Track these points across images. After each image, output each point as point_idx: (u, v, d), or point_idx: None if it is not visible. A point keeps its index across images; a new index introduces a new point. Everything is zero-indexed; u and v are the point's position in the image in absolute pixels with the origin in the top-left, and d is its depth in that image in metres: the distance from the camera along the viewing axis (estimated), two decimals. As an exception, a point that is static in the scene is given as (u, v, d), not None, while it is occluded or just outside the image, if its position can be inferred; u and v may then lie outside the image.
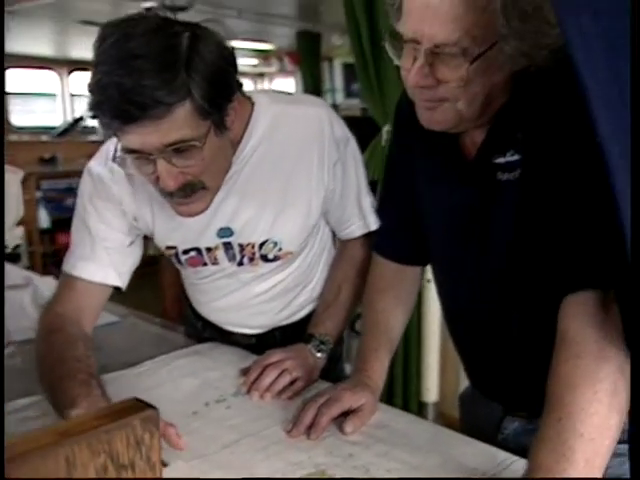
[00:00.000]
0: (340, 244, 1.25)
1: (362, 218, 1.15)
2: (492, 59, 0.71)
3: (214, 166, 0.94)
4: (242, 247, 1.10)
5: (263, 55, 5.74)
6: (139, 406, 0.47)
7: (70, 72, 5.80)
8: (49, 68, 5.70)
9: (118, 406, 0.47)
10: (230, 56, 0.90)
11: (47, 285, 1.46)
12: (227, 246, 1.10)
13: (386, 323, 1.03)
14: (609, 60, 0.47)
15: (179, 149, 0.86)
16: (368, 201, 1.15)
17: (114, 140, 1.02)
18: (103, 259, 1.06)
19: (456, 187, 0.89)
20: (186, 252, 1.11)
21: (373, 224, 1.14)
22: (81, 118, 5.67)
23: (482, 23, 0.69)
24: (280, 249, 1.10)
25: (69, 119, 5.77)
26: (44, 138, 5.22)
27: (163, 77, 0.81)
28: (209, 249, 1.10)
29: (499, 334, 0.92)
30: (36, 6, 3.44)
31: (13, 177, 1.46)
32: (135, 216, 1.07)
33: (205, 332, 1.30)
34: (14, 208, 1.43)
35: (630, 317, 0.57)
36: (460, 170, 0.88)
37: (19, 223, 1.41)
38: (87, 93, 0.84)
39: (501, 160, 0.81)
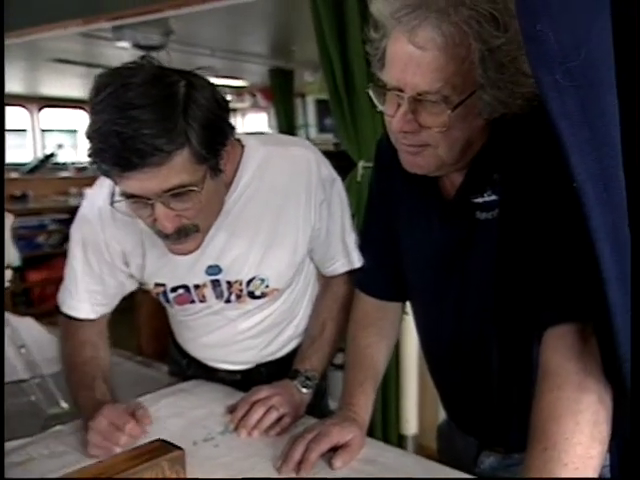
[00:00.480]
0: (324, 280, 1.27)
1: (346, 255, 1.18)
2: (471, 106, 0.76)
3: (209, 208, 0.97)
4: (230, 285, 1.12)
5: (236, 91, 5.82)
6: (166, 447, 0.48)
7: (40, 109, 5.79)
8: (20, 105, 5.67)
9: (146, 447, 0.48)
10: (223, 102, 0.93)
11: (26, 326, 1.45)
12: (215, 283, 1.12)
13: (370, 358, 1.05)
14: (581, 110, 0.51)
15: (177, 194, 0.89)
16: (352, 239, 1.18)
17: (102, 184, 1.07)
18: (85, 299, 1.13)
19: (436, 226, 0.92)
20: (174, 290, 1.13)
21: (357, 262, 1.17)
22: (52, 154, 5.64)
23: (462, 73, 0.73)
24: (267, 286, 1.12)
25: (39, 155, 5.73)
26: (14, 175, 5.16)
27: (162, 126, 0.83)
28: (197, 286, 1.12)
29: (477, 369, 0.94)
30: (8, 45, 3.45)
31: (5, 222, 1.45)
32: (126, 261, 1.11)
33: (189, 370, 1.30)
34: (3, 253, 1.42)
35: (607, 349, 0.60)
36: (440, 210, 0.91)
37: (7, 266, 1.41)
38: (86, 140, 0.87)
39: (479, 200, 0.85)
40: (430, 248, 0.94)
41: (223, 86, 5.26)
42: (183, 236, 0.95)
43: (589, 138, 0.52)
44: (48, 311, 4.22)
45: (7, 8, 2.76)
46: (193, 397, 1.16)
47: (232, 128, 0.96)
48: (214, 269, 1.10)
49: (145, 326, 3.39)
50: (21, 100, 5.60)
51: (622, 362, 0.58)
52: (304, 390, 1.10)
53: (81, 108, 6.19)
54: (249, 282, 1.11)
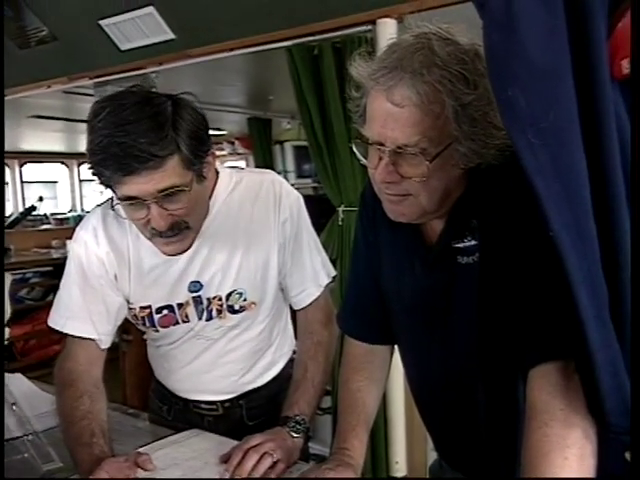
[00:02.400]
0: (302, 324, 1.32)
1: (314, 276, 1.27)
2: (448, 157, 0.82)
3: (196, 209, 1.11)
4: (210, 301, 1.21)
5: (215, 139, 5.91)
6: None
7: (22, 164, 5.81)
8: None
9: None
10: (203, 119, 1.09)
11: (17, 383, 1.45)
12: (197, 300, 1.21)
13: (362, 402, 1.07)
14: (552, 167, 0.57)
15: (169, 194, 1.02)
16: (319, 260, 1.28)
17: (95, 211, 1.23)
18: (87, 318, 1.18)
19: (420, 272, 0.97)
20: (159, 311, 1.21)
21: (325, 279, 1.28)
22: (33, 207, 5.64)
23: (437, 127, 0.79)
24: (245, 299, 1.22)
25: (20, 209, 5.72)
26: (-6, 230, 5.13)
27: (156, 135, 0.98)
28: (180, 305, 1.21)
29: (465, 408, 0.98)
30: (-9, 103, 3.50)
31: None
32: (116, 274, 1.20)
33: (170, 416, 1.35)
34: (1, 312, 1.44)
35: (589, 385, 0.64)
36: (423, 256, 0.96)
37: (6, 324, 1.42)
38: (88, 155, 1.01)
39: (460, 245, 0.90)
40: (415, 293, 0.98)
41: (214, 146, 5.34)
42: (176, 233, 1.08)
43: (561, 191, 0.57)
44: (31, 365, 4.17)
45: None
46: (186, 448, 1.17)
47: (211, 141, 1.11)
48: (196, 285, 1.20)
49: (130, 376, 3.36)
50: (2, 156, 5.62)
51: (604, 397, 0.61)
52: (295, 435, 1.12)
53: (61, 162, 6.25)
54: (228, 296, 1.21)
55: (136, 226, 1.11)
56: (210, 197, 1.19)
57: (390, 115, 0.80)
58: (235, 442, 1.15)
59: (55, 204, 6.74)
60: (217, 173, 1.22)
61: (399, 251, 1.01)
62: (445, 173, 0.84)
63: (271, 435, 1.10)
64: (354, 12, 2.22)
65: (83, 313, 1.17)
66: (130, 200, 1.03)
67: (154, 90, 1.09)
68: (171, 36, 2.69)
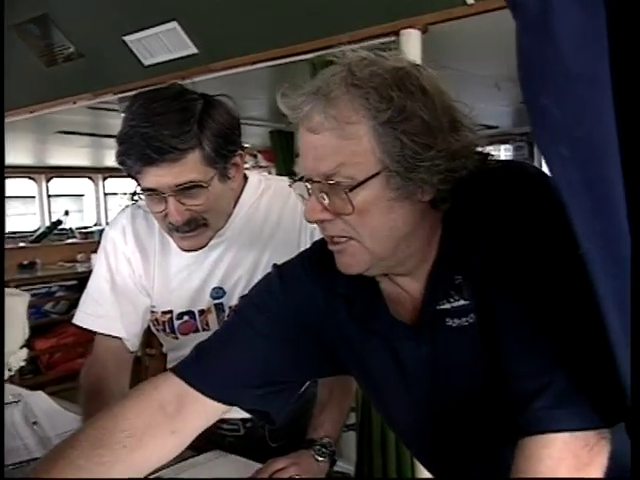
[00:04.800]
0: None
1: None
2: (377, 188, 0.72)
3: (216, 207, 1.09)
4: (231, 309, 1.19)
5: (237, 153, 5.94)
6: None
7: (49, 179, 5.91)
8: (28, 177, 5.81)
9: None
10: (236, 122, 1.09)
11: (38, 401, 1.44)
12: (219, 308, 1.19)
13: None
14: (585, 179, 0.53)
15: (187, 189, 1.02)
16: None
17: (125, 211, 1.25)
18: (115, 315, 1.18)
19: (397, 347, 0.84)
20: (180, 317, 1.20)
21: None
22: (59, 221, 5.72)
23: (359, 152, 0.71)
24: None
25: (47, 223, 5.80)
26: (22, 244, 5.21)
27: (178, 128, 0.99)
28: (202, 312, 1.19)
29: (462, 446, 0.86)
30: (17, 120, 3.57)
31: (19, 300, 1.47)
32: (140, 274, 1.21)
33: None
34: (21, 332, 1.43)
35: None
36: (400, 330, 0.83)
37: (23, 345, 1.43)
38: (116, 143, 1.04)
39: (446, 306, 0.78)
40: (391, 371, 0.85)
41: (245, 150, 5.39)
42: (193, 228, 1.07)
43: (592, 209, 0.53)
44: (56, 378, 4.19)
45: (20, 87, 2.88)
46: (209, 471, 1.14)
47: (242, 145, 1.11)
48: (218, 292, 1.19)
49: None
50: (29, 171, 5.73)
51: None
52: (321, 459, 1.09)
53: (87, 177, 6.34)
54: None
55: (156, 219, 1.11)
56: (237, 201, 1.18)
57: (310, 144, 0.74)
58: (258, 465, 1.12)
59: (81, 217, 6.82)
60: (246, 178, 1.21)
61: (372, 337, 0.86)
62: (383, 208, 0.73)
63: (296, 459, 1.07)
64: (377, 23, 2.20)
65: (113, 311, 1.17)
66: (149, 192, 1.04)
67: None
68: (194, 50, 2.70)
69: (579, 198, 0.53)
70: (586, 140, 0.52)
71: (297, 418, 1.27)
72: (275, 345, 0.89)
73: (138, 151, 0.99)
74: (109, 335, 1.17)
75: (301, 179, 0.78)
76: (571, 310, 0.66)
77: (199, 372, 0.88)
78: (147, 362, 3.33)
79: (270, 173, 6.03)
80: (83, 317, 1.19)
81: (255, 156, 6.01)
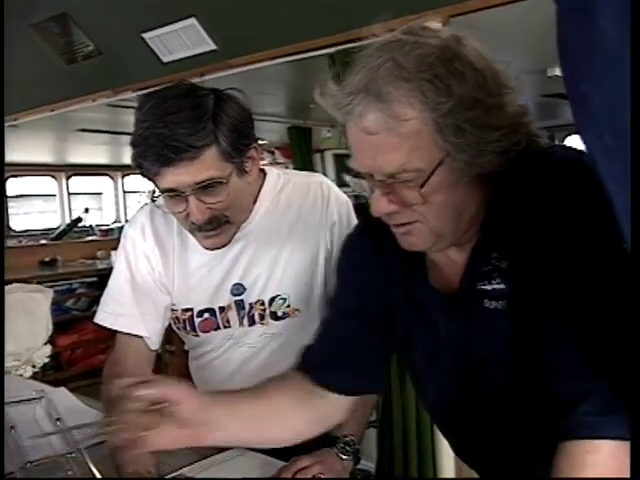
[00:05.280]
0: None
1: None
2: (443, 175, 0.72)
3: (236, 203, 1.08)
4: (252, 306, 1.18)
5: (255, 149, 5.95)
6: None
7: (69, 177, 5.97)
8: (49, 175, 5.87)
9: None
10: (248, 114, 1.07)
11: (61, 397, 1.44)
12: (239, 305, 1.18)
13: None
14: (626, 170, 0.50)
15: (207, 186, 1.01)
16: None
17: (144, 208, 1.24)
18: (136, 313, 1.17)
19: (442, 324, 0.85)
20: (200, 314, 1.20)
21: None
22: (79, 219, 5.78)
23: (420, 146, 0.70)
24: (288, 305, 1.18)
25: (67, 220, 5.87)
26: (43, 241, 5.27)
27: (193, 126, 0.97)
28: (222, 309, 1.19)
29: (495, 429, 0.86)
30: (37, 119, 3.60)
31: (42, 297, 1.48)
32: (160, 271, 1.20)
33: None
34: (44, 328, 1.44)
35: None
36: (443, 306, 0.84)
37: (46, 342, 1.43)
38: (130, 147, 1.02)
39: (487, 287, 0.79)
40: (431, 345, 0.87)
41: (259, 144, 5.40)
42: (215, 227, 1.06)
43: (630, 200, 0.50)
44: (77, 375, 4.24)
45: (41, 85, 2.90)
46: (230, 469, 1.13)
47: (255, 137, 1.10)
48: (238, 288, 1.18)
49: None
50: (50, 169, 5.80)
51: None
52: (345, 457, 1.08)
53: (106, 174, 6.39)
54: (271, 302, 1.18)
55: (177, 219, 1.10)
56: (257, 197, 1.17)
57: (367, 144, 0.72)
58: (281, 463, 1.11)
59: (101, 215, 6.89)
60: (265, 173, 1.20)
61: (416, 306, 0.89)
62: (446, 191, 0.74)
63: (319, 457, 1.06)
64: (397, 17, 2.17)
65: (133, 310, 1.17)
66: (169, 192, 1.03)
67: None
68: (212, 47, 2.70)
69: (622, 189, 0.51)
70: (629, 129, 0.49)
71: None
72: (360, 321, 0.94)
73: (155, 152, 0.97)
74: (130, 334, 1.17)
75: (357, 175, 0.77)
76: (616, 313, 0.63)
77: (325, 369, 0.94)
78: (167, 359, 3.34)
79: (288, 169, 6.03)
80: (104, 316, 1.19)
81: (273, 153, 6.00)
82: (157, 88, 1.05)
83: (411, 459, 2.36)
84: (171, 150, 0.96)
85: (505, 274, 0.77)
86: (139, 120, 1.00)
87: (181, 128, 0.96)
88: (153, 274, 1.19)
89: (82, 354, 4.53)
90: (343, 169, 4.74)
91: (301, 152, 4.78)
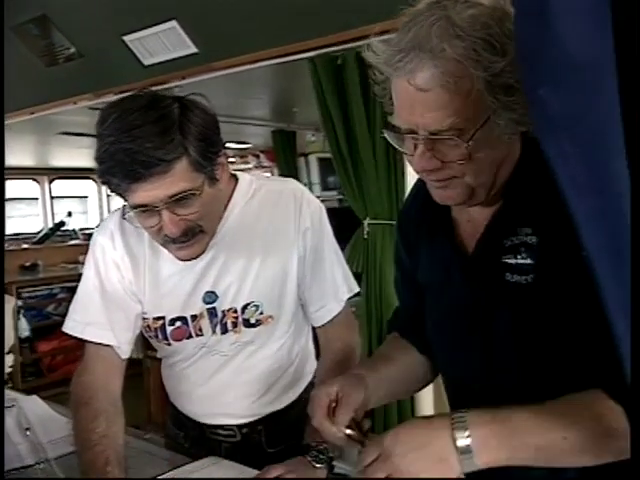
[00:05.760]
0: (320, 342, 1.27)
1: (334, 292, 1.21)
2: (488, 132, 0.73)
3: (210, 212, 1.07)
4: (224, 313, 1.16)
5: (240, 153, 5.92)
6: None
7: (51, 181, 5.90)
8: (31, 178, 5.80)
9: None
10: (213, 120, 1.04)
11: (33, 406, 1.42)
12: (211, 312, 1.16)
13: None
14: (588, 178, 0.50)
15: (180, 199, 0.99)
16: (340, 273, 1.22)
17: (113, 214, 1.21)
18: (105, 322, 1.14)
19: (458, 283, 0.89)
20: (172, 323, 1.17)
21: (346, 294, 1.22)
22: (62, 223, 5.71)
23: (470, 104, 0.71)
24: (261, 312, 1.16)
25: (49, 224, 5.80)
26: (25, 245, 5.20)
27: (161, 139, 0.94)
28: (194, 317, 1.17)
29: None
30: (17, 122, 3.56)
31: (6, 306, 1.45)
32: (130, 280, 1.17)
33: (186, 443, 1.29)
34: (6, 337, 1.41)
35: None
36: (462, 265, 0.88)
37: (9, 351, 1.39)
38: (96, 163, 0.98)
39: (511, 261, 0.80)
40: (453, 304, 0.91)
41: (226, 148, 5.37)
42: (190, 237, 1.04)
43: (597, 206, 0.50)
44: (58, 381, 4.19)
45: (21, 88, 2.86)
46: (204, 477, 1.12)
47: (223, 143, 1.07)
48: (211, 296, 1.16)
49: (155, 393, 3.34)
50: (32, 172, 5.73)
51: None
52: (318, 465, 1.06)
53: (89, 178, 6.33)
54: (244, 309, 1.16)
55: (149, 233, 1.08)
56: (228, 203, 1.15)
57: (416, 101, 0.72)
58: (255, 471, 1.10)
59: (86, 219, 6.82)
60: (236, 179, 1.19)
61: (437, 262, 0.93)
62: (488, 148, 0.75)
63: (292, 466, 1.04)
64: (379, 20, 2.17)
65: (103, 319, 1.14)
66: (141, 207, 1.00)
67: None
68: (194, 50, 2.68)
69: (584, 196, 0.50)
70: (589, 134, 0.49)
71: (294, 423, 1.23)
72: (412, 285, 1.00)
73: (124, 168, 0.94)
74: (99, 343, 1.14)
75: (397, 130, 0.78)
76: None
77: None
78: (149, 364, 3.31)
79: (273, 173, 6.02)
80: (72, 325, 1.16)
81: (258, 156, 5.98)
82: (114, 99, 1.01)
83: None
84: (140, 165, 0.93)
85: (534, 250, 0.78)
86: (103, 135, 0.96)
87: (148, 142, 0.93)
88: (123, 282, 1.17)
89: (63, 360, 4.47)
90: (327, 173, 4.73)
91: (285, 156, 4.75)
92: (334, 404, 0.85)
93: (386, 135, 0.82)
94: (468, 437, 0.71)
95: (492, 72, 0.69)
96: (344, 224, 2.57)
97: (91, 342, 1.15)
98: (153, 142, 0.93)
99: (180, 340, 1.18)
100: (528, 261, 0.79)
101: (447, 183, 0.79)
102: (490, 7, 0.71)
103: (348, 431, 0.83)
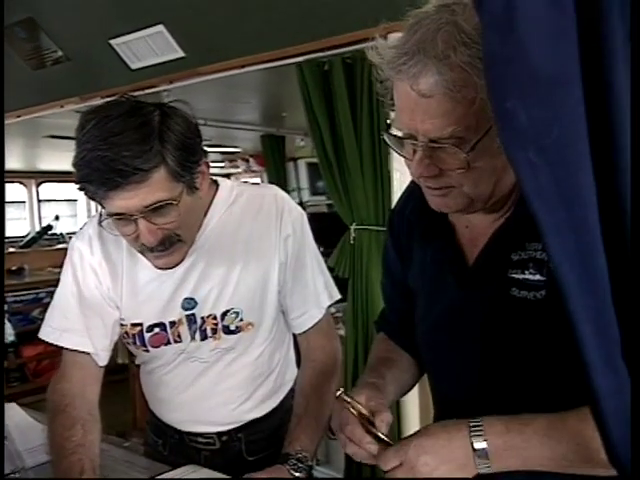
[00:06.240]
0: (301, 350, 1.27)
1: (316, 299, 1.20)
2: (489, 143, 0.71)
3: (188, 221, 1.05)
4: (204, 320, 1.15)
5: (229, 157, 5.91)
6: None
7: (39, 184, 5.86)
8: (19, 182, 5.76)
9: None
10: (195, 128, 1.03)
11: (11, 413, 1.40)
12: (190, 319, 1.15)
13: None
14: (555, 190, 0.50)
15: (157, 208, 0.97)
16: (321, 280, 1.21)
17: (92, 220, 1.18)
18: (82, 329, 1.13)
19: (453, 291, 0.87)
20: (150, 329, 1.16)
21: (327, 300, 1.22)
22: (49, 226, 5.67)
23: (473, 113, 0.69)
24: (241, 319, 1.15)
25: (37, 228, 5.76)
26: (11, 249, 5.16)
27: (139, 148, 0.93)
28: (173, 324, 1.15)
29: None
30: (6, 125, 3.53)
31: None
32: (108, 286, 1.16)
33: (165, 451, 1.29)
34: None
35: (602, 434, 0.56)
36: (459, 273, 0.86)
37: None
38: (74, 169, 0.97)
39: (519, 276, 0.78)
40: (444, 312, 0.89)
41: (216, 152, 5.36)
42: (168, 246, 1.03)
43: (565, 218, 0.50)
44: (44, 387, 4.14)
45: (7, 91, 2.84)
46: (206, 477, 1.11)
47: (204, 150, 1.06)
48: (190, 302, 1.15)
49: (140, 398, 3.31)
50: (19, 176, 5.68)
51: (614, 446, 0.54)
52: (297, 474, 1.06)
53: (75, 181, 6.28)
54: (223, 316, 1.15)
55: (126, 241, 1.06)
56: (208, 209, 1.14)
57: (418, 106, 0.71)
58: (233, 480, 1.08)
59: (75, 222, 6.78)
60: (217, 185, 1.17)
61: (431, 268, 0.92)
62: (488, 158, 0.73)
63: (271, 474, 1.03)
64: (365, 27, 2.17)
65: (79, 325, 1.13)
66: (117, 216, 0.99)
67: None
68: (181, 54, 2.67)
69: (551, 208, 0.50)
70: (556, 146, 0.49)
71: (274, 431, 1.23)
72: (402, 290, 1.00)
73: (100, 176, 0.92)
74: (76, 350, 1.13)
75: (391, 134, 0.77)
76: None
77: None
78: (134, 370, 3.29)
79: (262, 177, 6.02)
80: (49, 331, 1.15)
81: (247, 161, 5.98)
82: (94, 105, 1.00)
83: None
84: (117, 174, 0.92)
85: (543, 266, 0.76)
86: (81, 141, 0.94)
87: (126, 150, 0.91)
88: (101, 288, 1.15)
89: (49, 365, 4.43)
90: (316, 178, 4.74)
91: (274, 160, 4.75)
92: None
93: (385, 138, 0.80)
94: (484, 442, 0.73)
95: None
96: (333, 229, 2.57)
97: (68, 349, 1.13)
98: (131, 150, 0.92)
99: (158, 347, 1.17)
100: (537, 277, 0.77)
101: (445, 192, 0.78)
102: None
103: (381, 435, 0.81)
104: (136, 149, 0.92)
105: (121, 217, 0.99)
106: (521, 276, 0.78)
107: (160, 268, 1.08)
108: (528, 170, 0.50)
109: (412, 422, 2.26)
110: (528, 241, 0.78)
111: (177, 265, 1.09)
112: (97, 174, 0.93)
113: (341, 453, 2.47)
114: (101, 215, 1.07)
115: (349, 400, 0.81)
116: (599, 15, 0.46)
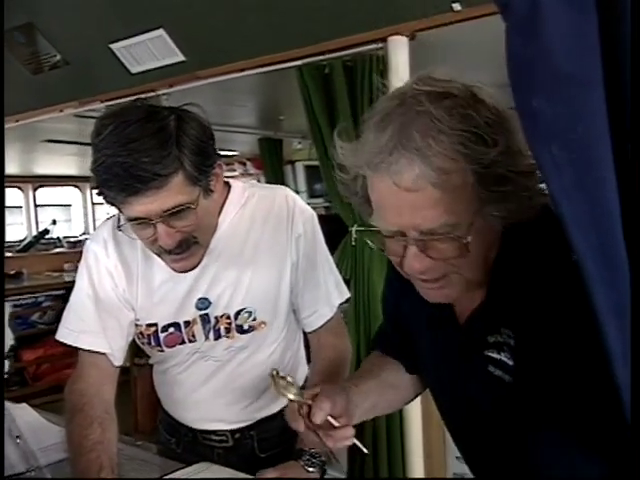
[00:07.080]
0: (312, 348, 1.28)
1: (327, 298, 1.22)
2: (481, 224, 0.71)
3: (204, 223, 1.07)
4: (217, 319, 1.17)
5: (226, 161, 5.93)
6: None
7: (36, 188, 5.85)
8: (16, 186, 5.75)
9: None
10: (209, 131, 1.05)
11: (23, 414, 1.41)
12: (204, 319, 1.17)
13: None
14: (578, 186, 0.52)
15: (176, 212, 0.99)
16: (332, 279, 1.23)
17: (106, 223, 1.20)
18: (99, 330, 1.15)
19: (443, 348, 0.88)
20: (165, 329, 1.18)
21: (338, 299, 1.23)
22: (46, 231, 5.67)
23: (463, 198, 0.68)
24: (254, 319, 1.17)
25: (34, 232, 5.75)
26: (9, 254, 5.15)
27: (158, 154, 0.94)
28: (187, 323, 1.17)
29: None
30: (5, 129, 3.53)
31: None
32: (124, 288, 1.18)
33: (179, 448, 1.30)
34: (-1, 344, 1.40)
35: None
36: (450, 333, 0.86)
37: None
38: (92, 175, 0.98)
39: (494, 355, 0.78)
40: (437, 360, 0.91)
41: (222, 157, 5.37)
42: (185, 249, 1.05)
43: (587, 212, 0.51)
44: (43, 390, 4.14)
45: (6, 95, 2.85)
46: (211, 477, 1.12)
47: (217, 153, 1.08)
48: (204, 302, 1.16)
49: (142, 401, 3.32)
50: (17, 180, 5.68)
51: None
52: (311, 470, 1.07)
53: (74, 185, 6.28)
54: (237, 315, 1.17)
55: (144, 243, 1.08)
56: (221, 211, 1.16)
57: (404, 202, 0.68)
58: (247, 476, 1.10)
59: (69, 227, 6.77)
60: (229, 186, 1.19)
61: (426, 322, 0.92)
62: (482, 238, 0.72)
63: (284, 470, 1.05)
64: (365, 30, 2.20)
65: (96, 326, 1.14)
66: (136, 220, 1.01)
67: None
68: (181, 58, 2.69)
69: (574, 203, 0.52)
70: (580, 142, 0.50)
71: (286, 428, 1.24)
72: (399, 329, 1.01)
73: (120, 182, 0.94)
74: (92, 351, 1.14)
75: (372, 233, 0.75)
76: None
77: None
78: (136, 372, 3.29)
79: (259, 181, 6.02)
80: (66, 333, 1.16)
81: (244, 164, 5.98)
82: (110, 111, 1.01)
83: (382, 469, 2.35)
84: (137, 180, 0.93)
85: (513, 351, 0.76)
86: (99, 147, 0.95)
87: (145, 156, 0.93)
88: (117, 290, 1.17)
89: (48, 369, 4.42)
90: (314, 180, 4.75)
91: (272, 163, 4.76)
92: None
93: (367, 240, 0.78)
94: None
95: (483, 164, 0.67)
96: (331, 231, 2.58)
97: (85, 350, 1.15)
98: (150, 156, 0.93)
99: (173, 346, 1.19)
100: (510, 362, 0.77)
101: (442, 283, 0.75)
102: (462, 97, 0.69)
103: (291, 396, 0.85)
104: (155, 155, 0.94)
105: (140, 221, 1.00)
106: (497, 356, 0.78)
107: (177, 271, 1.10)
108: (551, 166, 0.52)
109: (414, 425, 2.28)
110: (502, 326, 0.77)
111: (194, 268, 1.11)
112: (117, 180, 0.94)
113: (344, 454, 2.48)
114: (119, 220, 1.08)
115: (282, 375, 0.85)
116: (620, 16, 0.48)
